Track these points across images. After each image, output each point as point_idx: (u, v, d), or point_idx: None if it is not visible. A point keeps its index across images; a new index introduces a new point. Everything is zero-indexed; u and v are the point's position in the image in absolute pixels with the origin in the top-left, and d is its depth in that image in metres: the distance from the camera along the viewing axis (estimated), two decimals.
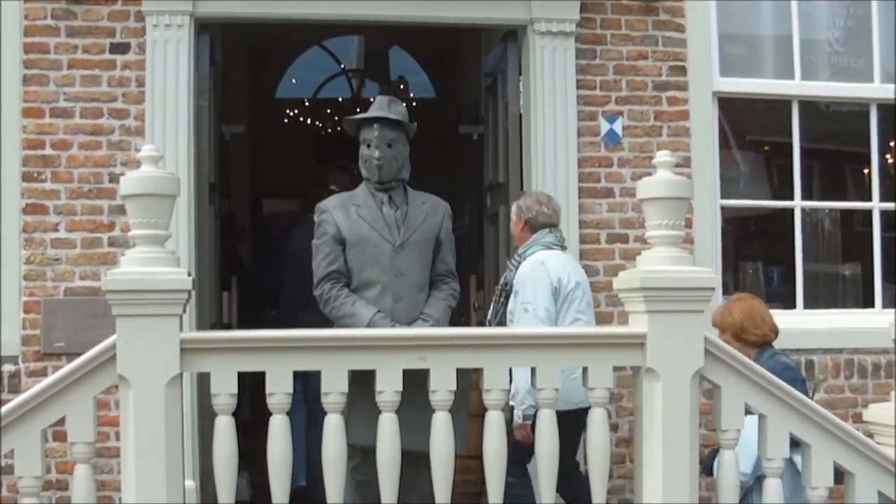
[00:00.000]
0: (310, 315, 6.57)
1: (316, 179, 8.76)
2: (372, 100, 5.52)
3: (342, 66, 14.11)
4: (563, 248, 6.15)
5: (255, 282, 9.23)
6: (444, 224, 5.43)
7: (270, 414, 4.32)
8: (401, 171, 5.35)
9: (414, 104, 12.95)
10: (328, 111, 14.25)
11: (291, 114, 14.41)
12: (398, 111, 5.37)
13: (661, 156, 4.51)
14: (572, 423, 5.30)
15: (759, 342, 5.81)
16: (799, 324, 6.98)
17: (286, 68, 13.90)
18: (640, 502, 4.52)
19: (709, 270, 4.65)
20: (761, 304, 5.95)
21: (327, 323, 5.27)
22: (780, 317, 7.03)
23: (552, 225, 6.13)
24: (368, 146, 5.30)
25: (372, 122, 5.31)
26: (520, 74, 6.79)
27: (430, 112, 11.89)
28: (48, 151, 6.29)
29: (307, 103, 14.44)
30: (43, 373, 6.00)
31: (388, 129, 5.30)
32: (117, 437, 4.70)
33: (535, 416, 4.63)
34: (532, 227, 6.13)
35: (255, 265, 9.83)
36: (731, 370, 4.53)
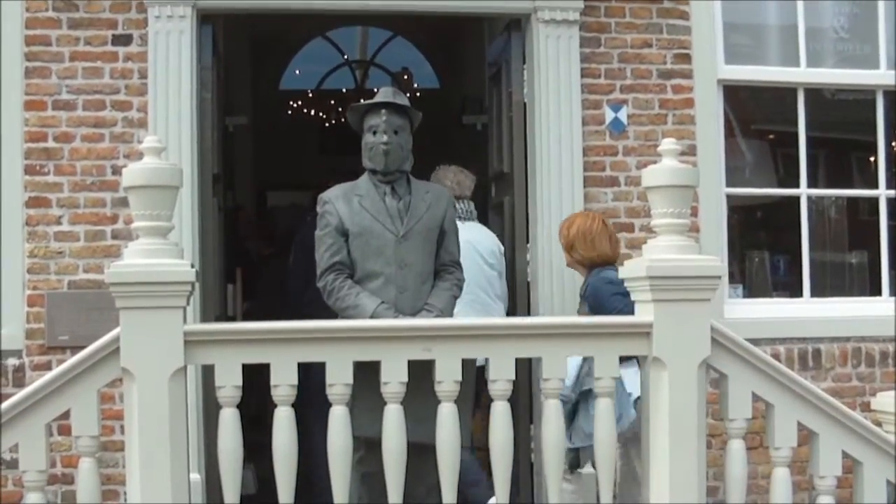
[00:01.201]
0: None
1: (321, 170, 8.75)
2: (376, 90, 5.50)
3: (345, 57, 14.08)
4: (463, 219, 6.26)
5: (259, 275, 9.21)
6: (447, 214, 5.41)
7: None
8: (405, 161, 5.33)
9: (418, 94, 12.94)
10: (332, 102, 14.23)
11: (295, 105, 14.38)
12: (403, 101, 5.37)
13: (667, 144, 4.50)
14: None
15: (587, 264, 5.87)
16: (806, 312, 6.96)
17: (290, 59, 13.88)
18: (648, 493, 4.51)
19: (715, 259, 4.64)
20: (603, 228, 5.93)
21: None
22: (787, 305, 7.08)
23: (456, 198, 6.20)
24: (374, 133, 5.28)
25: (379, 107, 5.30)
26: (524, 63, 6.75)
27: (435, 102, 11.87)
28: (51, 144, 6.26)
29: (311, 94, 14.41)
30: (47, 366, 5.98)
31: (395, 116, 5.29)
32: (122, 431, 4.69)
33: None
34: None
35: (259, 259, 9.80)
36: (737, 359, 4.52)
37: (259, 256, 9.67)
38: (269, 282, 8.88)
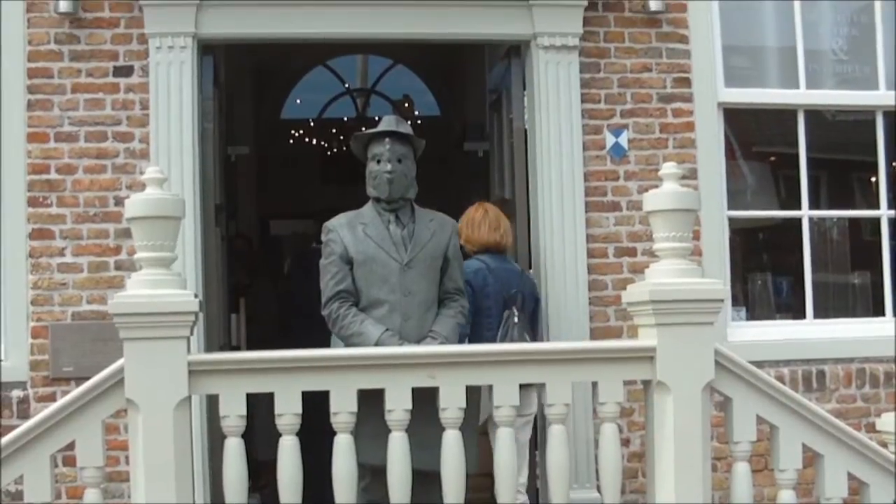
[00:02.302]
0: None
1: (324, 199, 8.73)
2: (377, 118, 5.52)
3: (346, 85, 14.12)
4: None
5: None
6: (451, 241, 5.42)
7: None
8: (409, 189, 5.35)
9: (419, 122, 12.97)
10: (333, 131, 14.25)
11: (297, 134, 14.40)
12: (407, 129, 5.39)
13: (668, 167, 4.50)
14: None
15: (471, 248, 6.14)
16: (809, 334, 6.94)
17: (291, 89, 13.92)
18: None
19: (717, 282, 4.64)
20: (484, 216, 6.17)
21: None
22: (791, 327, 7.06)
23: None
24: (378, 161, 5.30)
25: (383, 136, 5.32)
26: (524, 89, 6.77)
27: (436, 130, 11.89)
28: (53, 176, 6.28)
29: (312, 123, 14.44)
30: (52, 398, 5.97)
31: (398, 144, 5.31)
32: (128, 462, 4.68)
33: None
34: None
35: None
36: (741, 382, 4.52)
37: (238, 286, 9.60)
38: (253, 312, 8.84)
